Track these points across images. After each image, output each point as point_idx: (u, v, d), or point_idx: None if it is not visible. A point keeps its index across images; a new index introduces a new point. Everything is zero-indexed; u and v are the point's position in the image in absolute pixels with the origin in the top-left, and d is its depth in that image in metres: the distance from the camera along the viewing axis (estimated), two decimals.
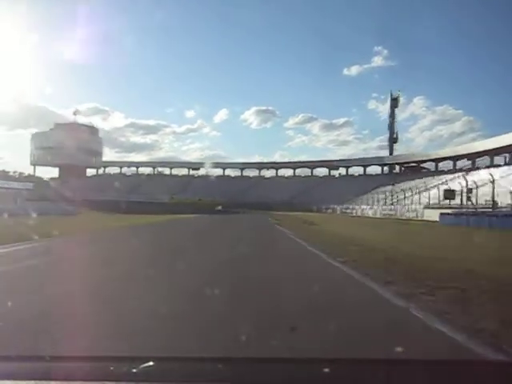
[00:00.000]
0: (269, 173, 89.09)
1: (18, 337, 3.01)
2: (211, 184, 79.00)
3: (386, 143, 78.04)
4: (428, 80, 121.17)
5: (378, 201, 50.72)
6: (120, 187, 77.60)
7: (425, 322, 3.56)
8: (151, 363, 1.33)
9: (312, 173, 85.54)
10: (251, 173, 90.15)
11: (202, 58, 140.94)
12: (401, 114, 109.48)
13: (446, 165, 64.12)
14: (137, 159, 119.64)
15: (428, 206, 33.44)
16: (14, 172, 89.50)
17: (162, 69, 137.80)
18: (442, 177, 54.93)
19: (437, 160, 65.29)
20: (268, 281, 5.57)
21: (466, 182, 31.32)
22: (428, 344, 3.02)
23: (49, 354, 1.51)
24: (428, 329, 3.37)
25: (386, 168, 76.63)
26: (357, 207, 50.69)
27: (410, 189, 49.14)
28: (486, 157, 55.19)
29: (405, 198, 48.56)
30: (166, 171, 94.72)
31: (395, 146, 76.87)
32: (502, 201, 27.82)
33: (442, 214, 26.83)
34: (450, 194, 33.87)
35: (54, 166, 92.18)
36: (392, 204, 45.10)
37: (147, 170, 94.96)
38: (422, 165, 69.62)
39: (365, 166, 78.09)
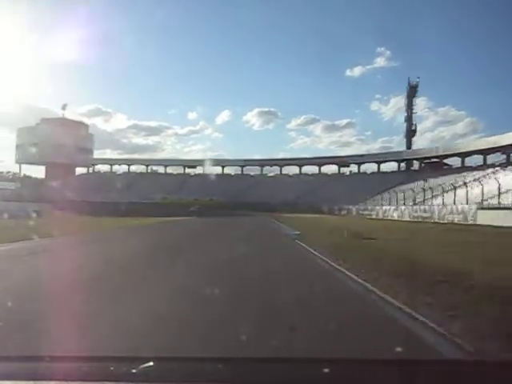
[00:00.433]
0: (272, 171, 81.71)
1: None
2: (209, 183, 72.03)
3: (389, 144, 73.11)
4: (430, 81, 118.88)
5: (400, 200, 43.18)
6: (110, 187, 71.73)
7: None
8: (151, 363, 1.33)
9: (320, 170, 77.90)
10: (253, 171, 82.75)
11: (204, 59, 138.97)
12: (403, 116, 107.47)
13: (473, 160, 56.53)
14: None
15: (483, 207, 25.80)
16: (8, 172, 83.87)
17: (163, 70, 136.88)
18: (473, 173, 47.47)
19: (463, 155, 57.43)
20: None
21: None
22: None
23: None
24: None
25: (402, 165, 69.01)
26: (377, 208, 43.08)
27: (440, 186, 41.69)
28: None
29: (432, 197, 41.21)
30: (161, 170, 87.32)
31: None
32: None
33: None
34: None
35: (40, 164, 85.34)
36: (424, 204, 37.45)
37: (140, 169, 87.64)
38: (444, 160, 61.86)
39: (379, 163, 70.34)
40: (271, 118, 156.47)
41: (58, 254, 9.78)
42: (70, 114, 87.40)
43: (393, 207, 39.47)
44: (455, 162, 60.70)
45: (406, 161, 67.53)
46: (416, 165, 67.11)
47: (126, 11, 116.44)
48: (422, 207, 34.30)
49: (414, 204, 38.76)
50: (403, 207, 37.17)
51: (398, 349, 2.60)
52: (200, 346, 2.99)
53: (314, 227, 20.55)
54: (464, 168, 55.35)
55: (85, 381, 1.26)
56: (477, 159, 55.24)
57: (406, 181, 59.48)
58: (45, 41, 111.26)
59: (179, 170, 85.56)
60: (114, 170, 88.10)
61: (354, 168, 73.78)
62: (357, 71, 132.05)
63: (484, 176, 44.46)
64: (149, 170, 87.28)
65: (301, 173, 79.20)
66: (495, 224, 21.18)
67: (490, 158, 53.82)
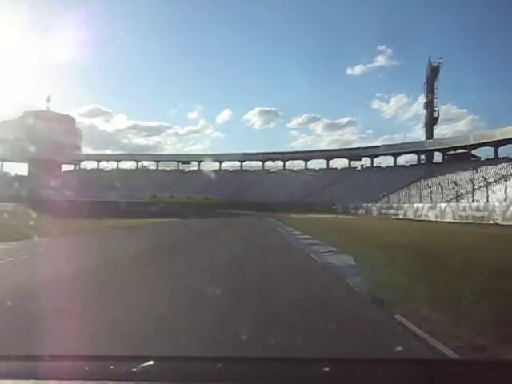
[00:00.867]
0: (274, 167, 73.82)
1: None
2: (205, 180, 64.77)
3: (390, 143, 64.92)
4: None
5: (436, 195, 35.52)
6: (95, 185, 65.47)
7: None
8: (151, 363, 1.31)
9: (328, 165, 69.96)
10: (253, 167, 74.90)
11: (205, 58, 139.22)
12: (405, 114, 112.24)
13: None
14: None
15: None
16: None
17: (163, 69, 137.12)
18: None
19: (496, 144, 49.35)
20: None
21: None
22: None
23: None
24: None
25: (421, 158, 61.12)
26: (405, 206, 35.24)
27: (484, 179, 34.12)
28: None
29: (473, 191, 33.60)
30: (153, 166, 79.58)
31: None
32: None
33: None
34: None
35: (22, 160, 78.56)
36: (472, 199, 29.65)
37: (130, 165, 79.98)
38: (472, 152, 53.90)
39: (396, 155, 62.25)
40: (272, 117, 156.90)
41: None
42: (53, 106, 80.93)
43: (427, 205, 31.61)
44: (482, 153, 53.04)
45: (427, 152, 59.41)
46: (438, 157, 59.11)
47: (127, 12, 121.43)
48: (474, 204, 26.35)
49: (455, 200, 31.03)
50: (443, 205, 29.27)
51: (398, 348, 2.52)
52: None
53: (346, 237, 12.82)
54: (499, 159, 47.42)
55: (85, 380, 1.25)
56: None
57: (427, 175, 51.76)
58: (44, 41, 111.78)
59: (173, 166, 77.96)
60: (101, 167, 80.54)
61: (366, 162, 65.95)
62: (358, 69, 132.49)
63: None
64: (140, 167, 79.58)
65: (306, 168, 71.32)
66: None
67: None
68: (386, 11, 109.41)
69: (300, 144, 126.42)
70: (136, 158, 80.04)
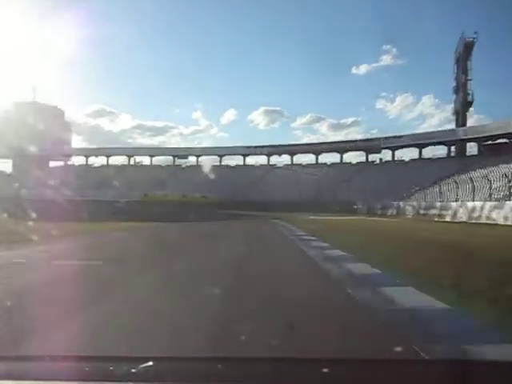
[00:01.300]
0: (281, 162, 66.17)
1: None
2: (204, 176, 57.36)
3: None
4: (437, 78, 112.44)
5: (471, 192, 27.97)
6: (81, 182, 58.81)
7: None
8: (151, 363, 1.31)
9: (341, 159, 62.14)
10: (257, 162, 67.43)
11: (210, 57, 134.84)
12: (409, 114, 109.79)
13: None
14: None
15: None
16: None
17: (168, 69, 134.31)
18: None
19: None
20: None
21: None
22: None
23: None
24: None
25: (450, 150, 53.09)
26: (453, 205, 27.44)
27: None
28: None
29: None
30: (146, 160, 72.21)
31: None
32: None
33: None
34: None
35: (5, 156, 72.35)
36: None
37: (121, 160, 72.60)
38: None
39: (421, 146, 54.24)
40: (277, 117, 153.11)
41: None
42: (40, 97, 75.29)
43: (489, 203, 23.81)
44: None
45: (458, 144, 51.37)
46: (471, 149, 51.10)
47: (131, 10, 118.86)
48: None
49: (510, 198, 23.24)
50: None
51: (398, 349, 2.56)
52: None
53: (433, 267, 5.10)
54: None
55: (85, 381, 1.25)
56: None
57: (461, 170, 43.91)
58: (48, 40, 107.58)
59: (168, 160, 70.66)
60: (90, 163, 73.35)
61: (385, 155, 58.08)
62: (363, 69, 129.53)
63: None
64: (132, 162, 72.19)
65: (317, 162, 63.55)
66: None
67: None
68: (390, 10, 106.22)
69: None
70: (128, 152, 72.57)
